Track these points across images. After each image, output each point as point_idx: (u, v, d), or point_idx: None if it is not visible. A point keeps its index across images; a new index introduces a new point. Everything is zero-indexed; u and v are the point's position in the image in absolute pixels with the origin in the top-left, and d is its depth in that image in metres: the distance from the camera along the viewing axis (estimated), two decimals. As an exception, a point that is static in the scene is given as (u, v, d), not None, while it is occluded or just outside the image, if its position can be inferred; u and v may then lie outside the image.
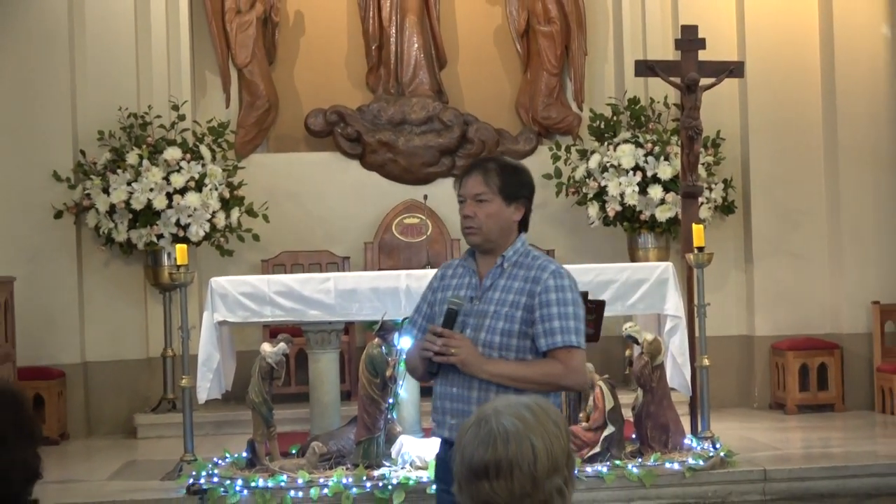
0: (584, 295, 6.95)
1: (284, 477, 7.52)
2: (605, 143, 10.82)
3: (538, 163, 11.32)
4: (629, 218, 10.69)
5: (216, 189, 10.39)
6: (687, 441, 8.07)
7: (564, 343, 4.04)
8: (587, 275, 8.18)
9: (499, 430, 2.63)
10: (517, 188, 4.17)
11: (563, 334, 4.04)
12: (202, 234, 10.33)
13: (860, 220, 10.79)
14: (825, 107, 10.88)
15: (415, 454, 7.70)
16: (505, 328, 4.07)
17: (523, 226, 4.23)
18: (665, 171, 10.44)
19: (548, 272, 4.10)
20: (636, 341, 8.02)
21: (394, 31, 11.51)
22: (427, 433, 8.15)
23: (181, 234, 10.19)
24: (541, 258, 4.20)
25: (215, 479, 7.53)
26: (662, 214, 10.51)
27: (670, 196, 10.38)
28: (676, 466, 7.67)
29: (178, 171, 10.27)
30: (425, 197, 11.18)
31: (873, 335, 10.65)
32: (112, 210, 10.15)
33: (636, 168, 10.53)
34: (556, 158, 11.05)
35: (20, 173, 10.25)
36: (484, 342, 4.08)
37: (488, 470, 2.59)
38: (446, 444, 4.19)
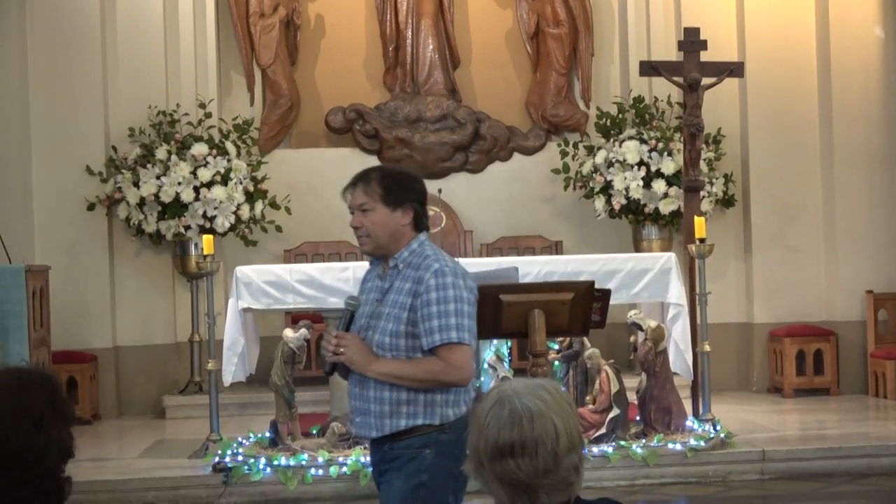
0: (591, 284, 6.96)
1: (305, 456, 7.55)
2: (611, 140, 10.82)
3: (547, 158, 11.35)
4: (634, 211, 10.69)
5: (241, 183, 10.41)
6: (688, 423, 8.07)
7: (443, 340, 3.93)
8: (594, 265, 8.18)
9: (523, 409, 2.62)
10: (401, 193, 4.09)
11: (441, 332, 3.94)
12: (227, 225, 10.35)
13: (854, 214, 10.78)
14: (821, 105, 10.85)
15: (429, 435, 7.70)
16: (392, 329, 4.00)
17: (419, 227, 4.13)
18: (668, 167, 10.45)
19: (430, 272, 4.00)
20: (640, 328, 8.02)
21: (410, 33, 11.51)
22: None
23: (208, 225, 10.22)
24: (430, 258, 4.07)
25: (240, 458, 7.57)
26: (666, 207, 10.51)
27: (673, 190, 10.37)
28: (678, 447, 7.67)
29: (205, 165, 10.29)
30: (440, 191, 11.17)
31: (867, 323, 10.65)
32: (142, 203, 10.18)
33: (641, 163, 10.53)
34: (564, 154, 11.05)
35: (55, 168, 10.28)
36: (376, 343, 4.01)
37: (514, 448, 2.59)
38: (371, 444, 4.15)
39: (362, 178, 4.10)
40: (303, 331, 8.01)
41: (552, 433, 2.62)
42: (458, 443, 4.03)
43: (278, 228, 10.83)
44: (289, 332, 8.01)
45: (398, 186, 4.09)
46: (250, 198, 10.53)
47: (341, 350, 3.97)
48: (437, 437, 3.98)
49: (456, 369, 3.98)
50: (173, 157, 10.26)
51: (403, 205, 4.06)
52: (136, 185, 10.19)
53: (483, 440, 2.63)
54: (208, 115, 10.64)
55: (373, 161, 11.41)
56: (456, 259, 4.18)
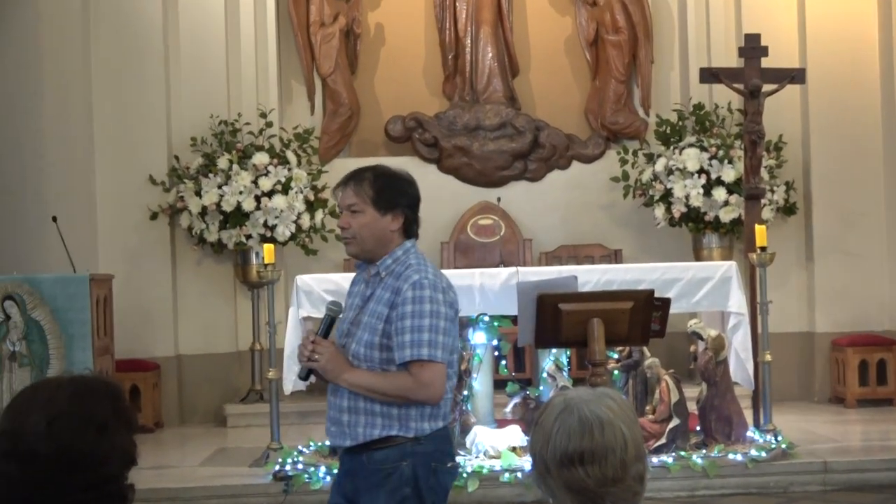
0: (651, 293, 6.93)
1: (365, 464, 7.57)
2: (671, 147, 10.77)
3: (606, 166, 11.32)
4: (694, 219, 10.63)
5: (301, 192, 10.47)
6: (749, 433, 8.01)
7: (413, 357, 3.83)
8: (653, 273, 8.15)
9: (592, 417, 2.62)
10: (392, 198, 4.00)
11: (412, 348, 3.84)
12: (288, 234, 10.41)
13: (918, 221, 10.68)
14: (884, 111, 10.75)
15: (488, 444, 7.69)
16: (367, 340, 3.92)
17: (409, 234, 4.06)
18: (729, 174, 10.38)
19: (409, 283, 3.90)
20: (700, 337, 7.97)
21: (469, 41, 11.52)
22: (500, 424, 8.13)
23: (268, 234, 10.28)
24: (412, 267, 3.96)
25: (300, 466, 7.60)
26: (726, 215, 10.45)
27: (734, 198, 10.31)
28: (739, 458, 7.61)
29: (266, 174, 10.35)
30: (499, 199, 11.22)
31: (933, 333, 10.52)
32: (204, 212, 10.26)
33: (701, 171, 10.48)
34: (623, 162, 11.01)
35: (118, 178, 10.39)
36: (352, 353, 3.94)
37: (583, 456, 2.58)
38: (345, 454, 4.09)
39: (354, 178, 4.02)
40: (362, 339, 8.02)
41: (621, 441, 2.61)
42: (435, 454, 4.00)
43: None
44: (348, 341, 8.03)
45: (390, 190, 4.02)
46: (311, 207, 10.59)
47: (315, 357, 3.89)
48: (413, 448, 3.91)
49: (424, 387, 3.88)
50: (234, 166, 10.33)
51: (394, 209, 3.98)
52: (198, 194, 10.28)
53: (551, 447, 2.61)
54: (269, 125, 10.71)
55: (432, 169, 11.45)
56: (441, 270, 4.10)
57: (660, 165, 10.67)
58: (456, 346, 4.03)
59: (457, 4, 11.52)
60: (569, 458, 2.59)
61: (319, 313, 8.18)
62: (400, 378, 3.88)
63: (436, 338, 3.87)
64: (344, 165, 11.27)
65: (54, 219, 7.92)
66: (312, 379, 4.17)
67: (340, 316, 4.07)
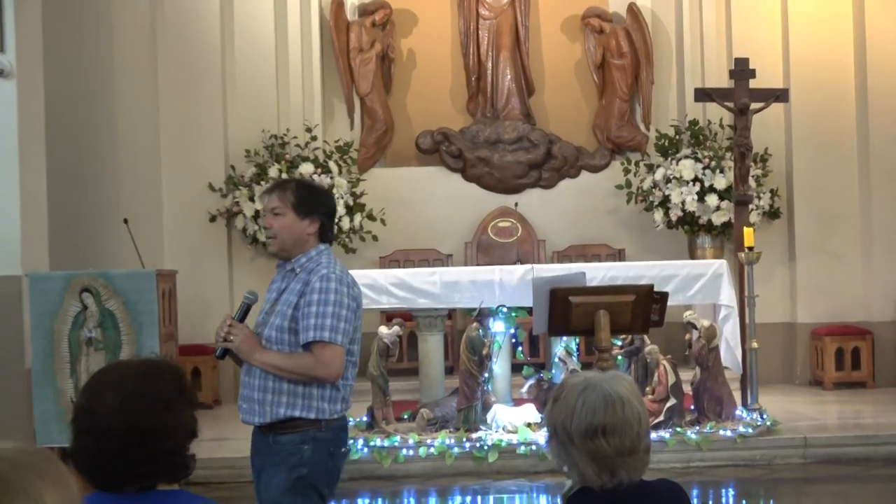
0: (650, 287, 6.92)
1: (398, 438, 7.60)
2: (669, 159, 10.75)
3: (611, 175, 11.30)
4: (689, 222, 10.62)
5: (342, 198, 10.49)
6: (738, 412, 8.00)
7: (315, 338, 3.85)
8: (653, 270, 8.15)
9: (615, 395, 2.64)
10: (311, 205, 4.01)
11: (315, 330, 3.86)
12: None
13: (889, 223, 10.62)
14: (859, 125, 10.70)
15: (506, 420, 7.71)
16: (279, 324, 3.94)
17: (324, 239, 4.06)
18: (720, 182, 10.37)
19: (317, 276, 3.94)
20: (695, 327, 7.97)
21: (490, 64, 11.53)
22: (517, 403, 8.15)
23: (313, 235, 10.30)
24: (322, 265, 3.99)
25: (341, 439, 7.63)
26: (718, 219, 10.43)
27: (724, 203, 10.28)
28: (729, 433, 7.62)
29: (311, 181, 10.38)
30: (516, 204, 11.24)
31: (901, 323, 10.49)
32: (256, 215, 10.28)
33: (695, 180, 10.47)
34: (626, 171, 11.00)
35: (182, 185, 10.45)
36: (265, 336, 3.95)
37: (606, 429, 2.60)
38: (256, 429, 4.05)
39: (279, 186, 4.07)
40: (395, 328, 8.04)
41: (637, 417, 2.64)
42: (334, 441, 3.99)
43: (374, 238, 10.90)
44: (383, 329, 8.05)
45: (310, 198, 4.03)
46: (350, 211, 10.61)
47: (231, 338, 3.90)
48: (314, 434, 3.91)
49: (324, 366, 3.89)
50: (283, 174, 10.37)
51: (312, 215, 3.99)
52: (252, 199, 10.32)
53: (576, 421, 2.62)
54: (314, 138, 10.74)
55: (457, 178, 11.46)
56: (348, 270, 4.07)
57: (659, 174, 10.66)
58: (356, 337, 4.02)
59: (479, 32, 11.53)
60: (593, 430, 2.60)
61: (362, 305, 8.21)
62: (304, 357, 3.89)
63: (337, 324, 3.88)
64: (380, 174, 11.35)
65: (126, 221, 7.95)
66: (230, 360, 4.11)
67: (256, 304, 4.07)
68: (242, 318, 3.99)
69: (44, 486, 1.62)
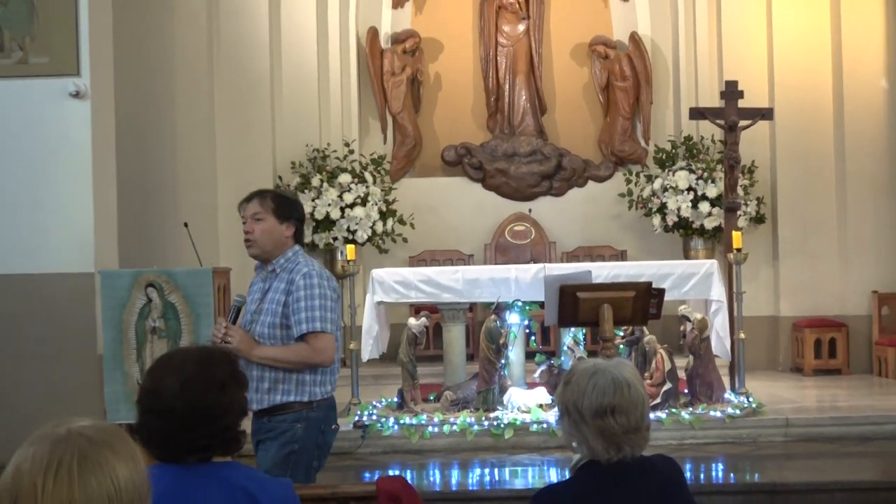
0: (649, 284, 6.91)
1: (424, 416, 7.60)
2: (666, 170, 10.74)
3: (615, 185, 11.30)
4: (684, 226, 10.61)
5: (376, 204, 10.53)
6: (727, 395, 7.97)
7: (309, 329, 3.85)
8: (651, 269, 8.12)
9: (622, 379, 2.66)
10: (288, 210, 4.01)
11: (308, 322, 3.85)
12: (365, 237, 10.48)
13: (862, 228, 10.58)
14: (836, 143, 10.65)
15: (521, 401, 7.71)
16: (271, 321, 3.91)
17: (297, 241, 4.06)
18: (711, 191, 10.36)
19: (300, 274, 3.91)
20: (688, 319, 7.95)
21: (507, 86, 11.54)
22: (530, 386, 8.15)
23: (350, 237, 10.35)
24: (301, 264, 3.97)
25: (374, 417, 7.64)
26: (709, 224, 10.43)
27: (715, 210, 10.28)
28: (718, 414, 7.59)
29: (349, 191, 10.43)
30: (529, 210, 11.25)
31: (872, 317, 10.46)
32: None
33: (689, 189, 10.47)
34: (628, 182, 11.00)
35: (235, 193, 10.29)
36: (258, 333, 3.92)
37: (615, 409, 2.63)
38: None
39: (258, 195, 4.07)
40: (423, 319, 8.06)
41: (641, 398, 2.67)
42: (325, 420, 3.98)
43: (404, 240, 10.92)
44: (412, 321, 8.07)
45: (286, 205, 4.04)
46: (383, 216, 10.65)
47: (228, 339, 3.85)
48: (306, 414, 3.90)
49: (319, 353, 3.89)
50: (324, 184, 10.42)
51: (289, 220, 4.00)
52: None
53: (587, 401, 2.64)
54: (351, 152, 10.79)
55: (478, 187, 11.48)
56: (325, 268, 4.09)
57: (657, 184, 10.66)
58: (339, 324, 4.01)
59: (498, 58, 11.55)
60: (603, 410, 2.63)
61: (389, 298, 8.24)
62: (300, 347, 3.88)
63: (325, 314, 3.89)
64: (409, 184, 11.37)
65: (186, 225, 7.97)
66: None
67: (245, 307, 4.05)
68: (235, 319, 3.95)
69: (116, 460, 1.64)
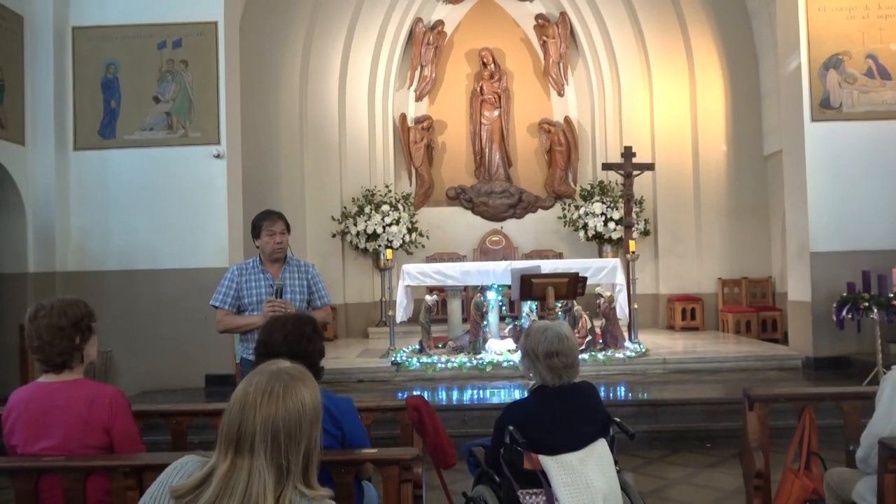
0: (576, 274, 6.90)
1: (436, 357, 7.61)
2: (588, 202, 10.72)
3: (555, 211, 11.27)
4: (599, 238, 10.58)
5: (405, 224, 10.51)
6: (627, 344, 7.97)
7: (328, 301, 3.75)
8: (578, 264, 8.08)
9: (562, 333, 2.66)
10: (288, 226, 3.83)
11: (327, 297, 3.76)
12: (398, 244, 10.47)
13: (711, 238, 10.56)
14: (694, 184, 10.64)
15: (496, 348, 7.71)
16: (300, 298, 3.67)
17: None
18: (616, 215, 10.33)
19: (309, 265, 3.75)
20: (602, 295, 7.94)
21: (487, 150, 11.50)
22: (503, 338, 8.16)
23: (388, 245, 10.34)
24: (301, 260, 3.76)
25: (404, 358, 7.65)
26: (615, 236, 10.40)
27: (618, 227, 10.25)
28: (621, 356, 7.59)
29: (388, 216, 10.41)
30: (501, 227, 11.20)
31: (718, 294, 10.40)
32: (357, 234, 10.35)
33: (602, 213, 10.44)
34: (563, 209, 10.97)
35: (317, 216, 10.48)
36: (297, 305, 3.68)
37: (559, 352, 2.62)
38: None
39: (281, 216, 3.83)
40: (434, 296, 8.08)
41: (574, 346, 2.66)
42: None
43: (422, 246, 10.92)
44: (428, 297, 8.08)
45: (287, 223, 3.86)
46: (409, 231, 10.64)
47: (282, 308, 3.55)
48: None
49: (331, 316, 3.89)
50: (372, 211, 10.41)
51: (289, 233, 3.84)
52: (356, 224, 10.37)
53: (541, 347, 2.63)
54: (389, 191, 10.77)
55: (469, 213, 11.43)
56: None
57: (582, 211, 10.62)
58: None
59: (482, 132, 11.50)
60: (550, 353, 2.63)
61: (414, 283, 8.21)
62: (324, 311, 3.76)
63: (327, 291, 3.84)
64: (426, 211, 11.36)
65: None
66: None
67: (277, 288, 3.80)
68: (279, 296, 3.71)
69: (305, 389, 1.62)
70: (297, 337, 2.51)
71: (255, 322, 3.62)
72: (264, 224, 3.76)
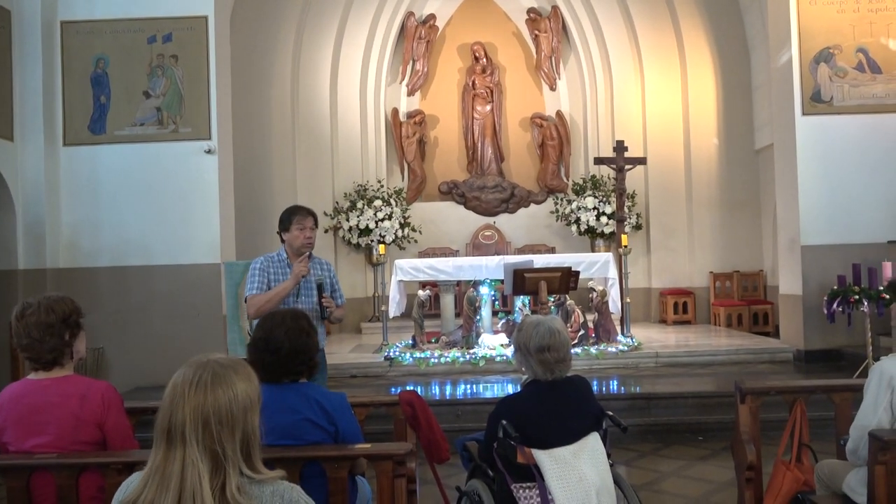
0: (569, 268, 6.92)
1: (429, 352, 7.61)
2: (580, 196, 10.73)
3: (548, 206, 11.29)
4: (591, 232, 10.60)
5: (398, 219, 10.50)
6: (619, 338, 7.99)
7: (342, 302, 3.77)
8: (570, 259, 8.13)
9: (554, 328, 2.66)
10: (317, 222, 3.84)
11: (342, 298, 3.80)
12: (391, 239, 10.46)
13: (702, 232, 10.60)
14: (685, 178, 10.67)
15: (489, 343, 7.73)
16: (328, 293, 3.73)
17: None
18: (608, 209, 10.35)
19: (330, 265, 3.80)
20: (594, 290, 7.97)
21: (479, 144, 11.50)
22: (495, 332, 8.17)
23: (381, 240, 10.33)
24: (322, 259, 3.81)
25: (397, 353, 7.64)
26: (607, 230, 10.43)
27: (612, 221, 10.28)
28: (614, 350, 7.61)
29: (380, 211, 10.40)
30: (494, 222, 11.21)
31: (709, 287, 10.44)
32: (350, 229, 10.34)
33: (594, 208, 10.46)
34: (556, 203, 10.99)
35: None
36: (314, 301, 3.68)
37: (550, 347, 2.62)
38: None
39: (311, 212, 3.85)
40: (427, 291, 8.08)
41: (566, 341, 2.65)
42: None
43: (415, 241, 10.91)
44: (421, 292, 8.09)
45: (317, 219, 3.88)
46: (402, 226, 10.63)
47: (329, 304, 3.66)
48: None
49: (345, 314, 3.90)
50: (365, 206, 10.40)
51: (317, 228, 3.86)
52: (348, 220, 10.35)
53: (533, 342, 2.63)
54: (382, 186, 10.75)
55: (461, 208, 11.44)
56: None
57: (574, 205, 10.64)
58: None
59: (474, 126, 11.51)
60: (542, 348, 2.63)
61: (407, 278, 8.23)
62: (342, 311, 3.79)
63: (341, 289, 3.87)
64: (419, 206, 11.36)
65: (279, 232, 8.01)
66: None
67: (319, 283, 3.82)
68: (321, 292, 3.75)
69: (237, 378, 1.63)
70: (298, 332, 2.53)
71: (288, 286, 3.60)
72: (295, 218, 3.74)
